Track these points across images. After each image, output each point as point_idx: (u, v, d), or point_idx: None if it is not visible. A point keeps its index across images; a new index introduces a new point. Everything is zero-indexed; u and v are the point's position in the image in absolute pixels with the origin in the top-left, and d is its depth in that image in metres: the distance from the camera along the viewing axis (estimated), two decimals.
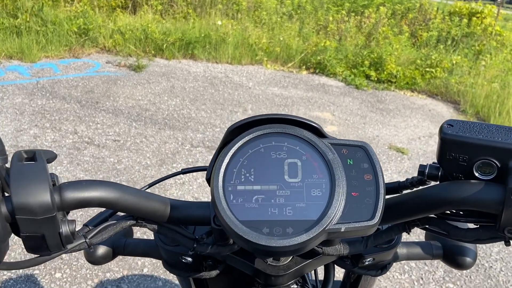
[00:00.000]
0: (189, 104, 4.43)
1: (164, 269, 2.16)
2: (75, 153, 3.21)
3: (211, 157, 3.35)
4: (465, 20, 7.53)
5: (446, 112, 5.15)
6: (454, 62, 6.22)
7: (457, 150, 0.49)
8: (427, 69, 6.03)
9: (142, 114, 4.04)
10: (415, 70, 6.00)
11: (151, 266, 2.20)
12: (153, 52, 5.89)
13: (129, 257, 2.20)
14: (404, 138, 4.24)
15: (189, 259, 0.64)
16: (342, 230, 0.48)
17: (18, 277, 2.06)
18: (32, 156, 0.49)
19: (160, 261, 0.73)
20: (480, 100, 5.15)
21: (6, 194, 0.48)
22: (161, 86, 4.84)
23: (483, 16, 7.62)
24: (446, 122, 0.51)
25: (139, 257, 2.22)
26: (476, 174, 0.49)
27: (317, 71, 6.11)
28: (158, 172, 3.07)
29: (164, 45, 5.91)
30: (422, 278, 2.33)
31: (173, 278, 2.14)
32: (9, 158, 0.47)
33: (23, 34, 5.50)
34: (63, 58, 5.42)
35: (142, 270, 2.18)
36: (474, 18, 7.65)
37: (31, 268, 1.50)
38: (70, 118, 3.78)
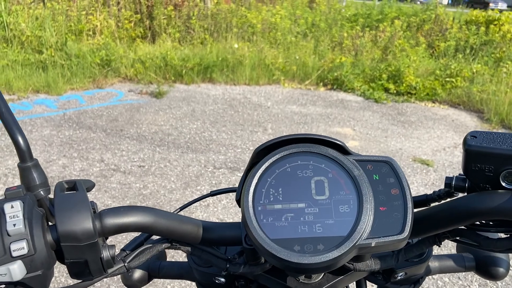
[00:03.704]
0: (209, 126, 4.50)
1: None
2: (102, 180, 3.29)
3: (234, 178, 3.34)
4: (482, 28, 7.45)
5: (470, 122, 5.05)
6: (474, 70, 6.13)
7: (482, 161, 0.50)
8: (447, 79, 5.95)
9: (165, 139, 4.12)
10: (435, 81, 5.94)
11: None
12: (173, 78, 6.04)
13: (155, 280, 2.21)
14: (428, 149, 4.17)
15: (222, 279, 0.66)
16: (373, 245, 0.49)
17: None
18: (73, 186, 0.52)
19: (191, 282, 0.75)
20: (504, 108, 5.04)
21: (50, 223, 0.51)
22: (182, 110, 4.93)
23: (500, 23, 7.53)
24: (470, 134, 0.52)
25: (167, 280, 2.24)
26: (503, 184, 0.50)
27: (334, 87, 6.12)
28: (183, 195, 3.11)
29: (183, 71, 6.06)
30: None
31: None
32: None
33: (49, 68, 5.74)
34: (88, 89, 5.60)
35: None
36: (492, 26, 7.56)
37: None
38: (96, 147, 3.89)
